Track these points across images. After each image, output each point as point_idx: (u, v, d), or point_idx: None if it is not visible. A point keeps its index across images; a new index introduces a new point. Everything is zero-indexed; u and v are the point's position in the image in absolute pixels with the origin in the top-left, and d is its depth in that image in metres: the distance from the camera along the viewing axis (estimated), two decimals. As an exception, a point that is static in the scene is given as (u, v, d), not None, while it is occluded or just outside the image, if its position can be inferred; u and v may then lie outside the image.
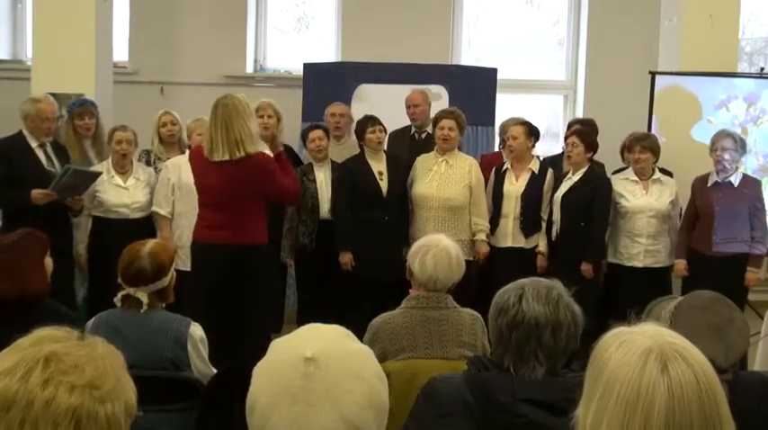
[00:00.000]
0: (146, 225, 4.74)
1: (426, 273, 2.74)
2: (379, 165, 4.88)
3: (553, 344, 1.84)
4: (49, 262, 2.98)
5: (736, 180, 4.80)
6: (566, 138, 5.05)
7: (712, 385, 1.15)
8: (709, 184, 4.84)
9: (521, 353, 1.85)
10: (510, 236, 4.88)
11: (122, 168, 4.80)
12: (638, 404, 1.13)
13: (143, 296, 2.73)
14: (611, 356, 1.20)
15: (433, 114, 5.35)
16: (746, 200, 4.78)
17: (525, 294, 1.88)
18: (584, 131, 4.96)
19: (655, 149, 4.84)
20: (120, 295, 2.76)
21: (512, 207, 4.87)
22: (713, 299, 2.04)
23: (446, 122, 4.82)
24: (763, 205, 4.92)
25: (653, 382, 1.13)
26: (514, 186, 4.91)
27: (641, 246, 4.79)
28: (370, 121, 4.91)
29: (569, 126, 5.57)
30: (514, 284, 1.94)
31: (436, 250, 2.76)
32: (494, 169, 5.00)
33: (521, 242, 4.89)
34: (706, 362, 1.18)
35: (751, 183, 4.88)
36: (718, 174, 4.82)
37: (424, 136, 5.34)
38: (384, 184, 4.85)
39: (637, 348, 1.18)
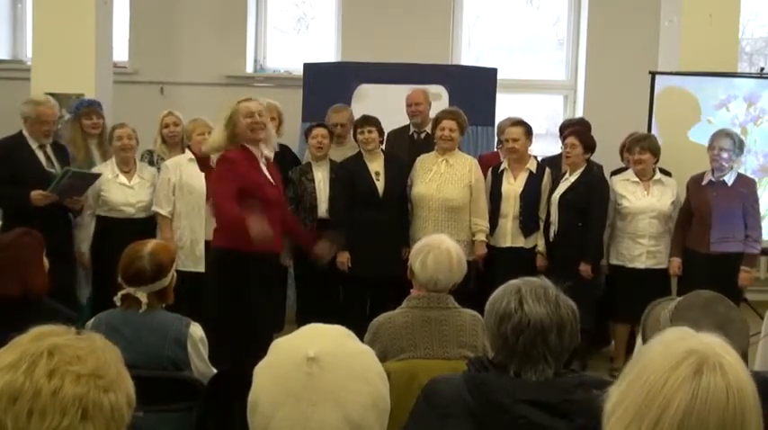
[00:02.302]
0: (150, 224, 4.74)
1: (427, 274, 2.74)
2: (376, 166, 4.88)
3: (559, 344, 1.84)
4: (45, 261, 2.98)
5: (730, 179, 4.81)
6: (563, 140, 5.04)
7: (743, 404, 1.14)
8: (703, 183, 4.85)
9: (529, 358, 1.83)
10: (509, 235, 4.88)
11: (126, 167, 4.80)
12: (658, 395, 1.13)
13: (142, 296, 2.73)
14: (656, 345, 1.20)
15: (432, 114, 5.36)
16: (741, 199, 4.79)
17: (524, 297, 1.85)
18: (581, 131, 4.96)
19: (654, 150, 4.84)
20: (119, 294, 2.76)
21: (511, 207, 4.87)
22: (712, 298, 2.04)
23: (447, 123, 4.82)
24: (758, 204, 4.92)
25: (680, 381, 1.13)
26: (513, 186, 4.91)
27: (643, 248, 4.79)
28: (360, 122, 4.94)
29: (562, 129, 5.56)
30: (508, 288, 1.91)
31: (437, 251, 2.77)
32: (490, 170, 5.00)
33: (520, 242, 4.90)
34: (749, 383, 1.16)
35: (746, 182, 4.89)
36: (713, 173, 4.83)
37: (423, 136, 5.33)
38: (381, 185, 4.84)
39: (682, 346, 1.18)
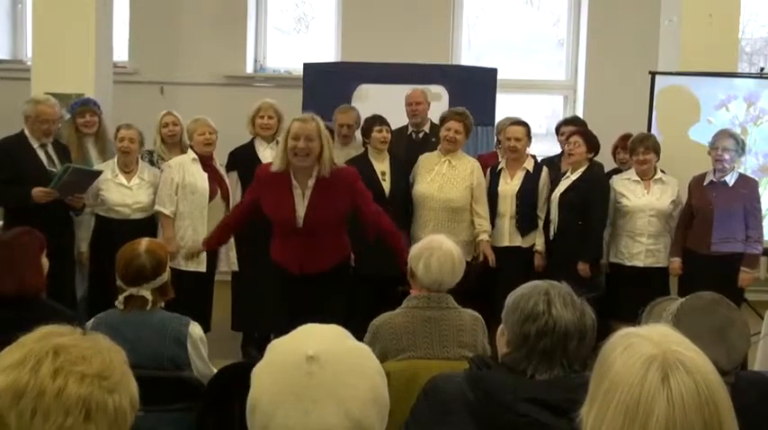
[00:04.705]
0: (148, 226, 4.70)
1: (431, 277, 2.74)
2: (382, 166, 4.87)
3: (577, 352, 1.83)
4: (45, 261, 2.98)
5: (731, 180, 4.80)
6: (567, 137, 5.04)
7: (714, 395, 1.15)
8: (705, 184, 4.85)
9: (547, 360, 1.83)
10: (507, 235, 4.88)
11: (127, 167, 4.78)
12: (637, 412, 1.14)
13: (147, 294, 2.74)
14: (615, 360, 1.20)
15: (431, 114, 5.35)
16: (742, 199, 4.79)
17: (552, 300, 1.84)
18: (587, 132, 4.97)
19: (657, 149, 4.86)
20: (121, 297, 2.76)
21: (507, 206, 4.87)
22: (713, 301, 2.03)
23: (453, 125, 4.80)
24: (760, 205, 4.92)
25: (653, 392, 1.13)
26: (509, 185, 4.91)
27: (642, 246, 4.79)
28: (378, 121, 4.88)
29: (558, 128, 5.56)
30: (536, 288, 1.89)
31: (440, 253, 2.76)
32: (489, 169, 5.00)
33: (517, 241, 4.89)
34: (710, 370, 1.17)
35: (747, 183, 4.88)
36: (714, 173, 4.83)
37: (421, 135, 5.34)
38: (387, 185, 4.82)
39: (640, 354, 1.18)
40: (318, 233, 3.78)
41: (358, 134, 5.18)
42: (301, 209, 3.76)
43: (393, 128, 5.33)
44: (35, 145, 4.61)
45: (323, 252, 3.83)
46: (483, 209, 4.83)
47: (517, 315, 1.87)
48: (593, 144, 4.86)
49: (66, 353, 1.11)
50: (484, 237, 4.79)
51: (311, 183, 3.75)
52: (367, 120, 4.99)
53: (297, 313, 3.72)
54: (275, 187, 3.77)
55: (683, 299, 2.07)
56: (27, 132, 4.62)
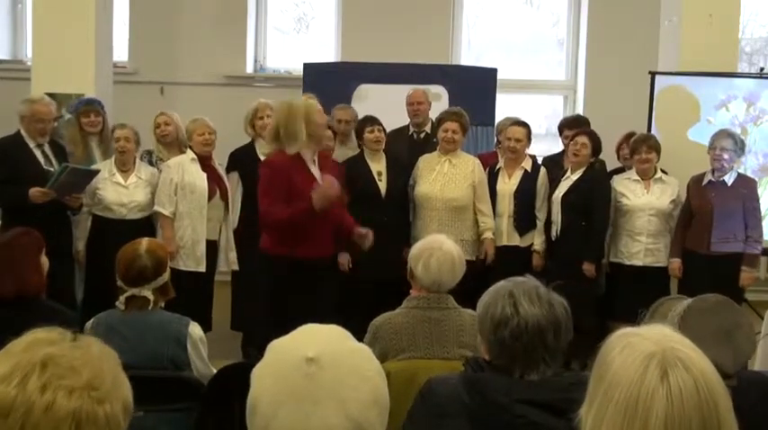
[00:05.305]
0: (145, 226, 4.68)
1: (431, 277, 2.74)
2: (378, 166, 4.87)
3: (556, 344, 1.83)
4: (45, 261, 2.98)
5: (730, 179, 4.81)
6: (572, 137, 5.02)
7: (713, 393, 1.15)
8: (703, 183, 4.85)
9: (530, 361, 1.82)
10: (505, 234, 4.88)
11: (124, 166, 4.77)
12: (636, 409, 1.13)
13: (148, 294, 2.75)
14: (614, 359, 1.20)
15: (431, 114, 5.35)
16: (741, 199, 4.79)
17: (518, 300, 1.84)
18: (592, 133, 4.96)
19: (658, 149, 4.87)
20: (123, 298, 2.75)
21: (505, 205, 4.88)
22: (720, 303, 2.03)
23: (450, 125, 4.81)
24: (759, 204, 4.92)
25: (652, 389, 1.13)
26: (507, 185, 4.91)
27: (641, 245, 4.79)
28: (369, 122, 4.90)
29: (560, 127, 5.55)
30: (500, 291, 1.89)
31: (440, 253, 2.76)
32: (487, 169, 5.00)
33: (515, 240, 4.90)
34: (709, 368, 1.17)
35: (746, 183, 4.89)
36: (713, 173, 4.83)
37: (422, 135, 5.33)
38: (383, 185, 4.83)
39: (640, 352, 1.18)
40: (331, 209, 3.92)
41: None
42: (320, 178, 3.92)
43: (393, 128, 5.35)
44: (32, 145, 4.60)
45: (329, 235, 4.01)
46: (486, 206, 4.83)
47: (488, 323, 1.87)
48: (597, 145, 4.87)
49: (54, 366, 1.09)
50: (488, 235, 4.80)
51: (316, 156, 3.99)
52: (359, 121, 5.00)
53: (295, 312, 3.72)
54: (292, 170, 3.87)
55: (690, 300, 2.07)
56: (23, 132, 4.61)
